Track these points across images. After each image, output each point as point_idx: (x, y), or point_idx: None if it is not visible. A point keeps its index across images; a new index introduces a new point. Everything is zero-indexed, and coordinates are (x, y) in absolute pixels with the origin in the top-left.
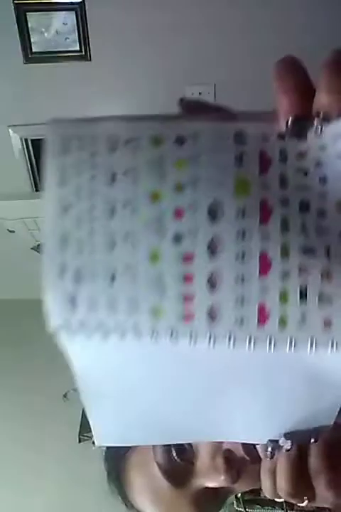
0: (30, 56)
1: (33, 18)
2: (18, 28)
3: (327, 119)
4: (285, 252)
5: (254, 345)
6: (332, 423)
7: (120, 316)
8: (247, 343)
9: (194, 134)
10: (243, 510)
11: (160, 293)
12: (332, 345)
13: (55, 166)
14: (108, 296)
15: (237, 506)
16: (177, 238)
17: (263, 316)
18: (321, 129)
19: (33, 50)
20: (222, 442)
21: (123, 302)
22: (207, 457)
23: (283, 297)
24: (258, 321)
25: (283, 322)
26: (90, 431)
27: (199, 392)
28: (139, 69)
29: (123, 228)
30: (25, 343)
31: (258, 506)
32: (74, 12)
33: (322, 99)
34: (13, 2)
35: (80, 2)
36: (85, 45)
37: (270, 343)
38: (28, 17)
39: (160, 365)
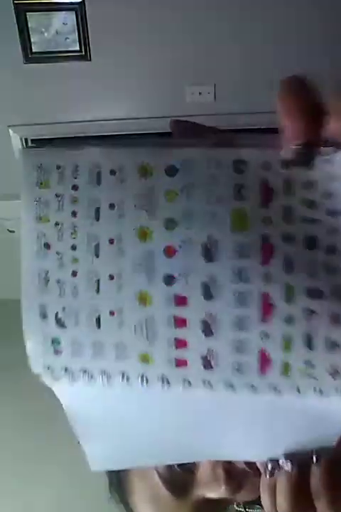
0: (30, 56)
1: (33, 18)
2: (18, 28)
3: (337, 146)
4: (289, 294)
5: (255, 392)
6: (334, 445)
7: (106, 362)
8: (246, 389)
9: (187, 162)
10: (243, 510)
11: (150, 338)
12: (338, 391)
13: (32, 199)
14: (93, 341)
15: (237, 506)
16: (168, 279)
17: (264, 364)
18: (331, 157)
19: (33, 50)
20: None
21: (110, 348)
22: (207, 467)
23: (287, 344)
24: (260, 369)
25: (286, 370)
26: None
27: (194, 422)
28: (139, 69)
29: (108, 268)
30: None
31: (258, 507)
32: (74, 12)
33: (331, 125)
34: (13, 2)
35: (80, 2)
36: (85, 45)
37: (272, 390)
38: (28, 17)
39: (151, 403)
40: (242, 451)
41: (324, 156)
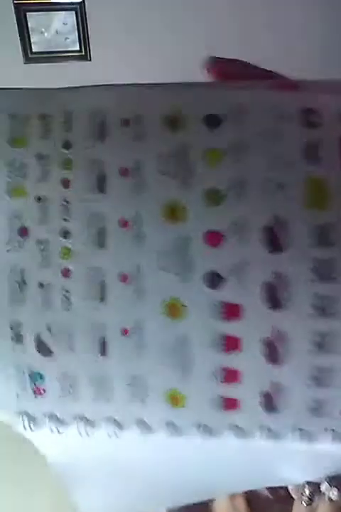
0: (30, 56)
1: (33, 18)
2: (18, 28)
3: None
4: None
5: (338, 439)
6: None
7: (116, 405)
8: (327, 437)
9: (235, 109)
10: None
11: (184, 368)
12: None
13: (1, 163)
14: (95, 375)
15: None
16: (213, 279)
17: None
18: None
19: (33, 50)
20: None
21: (122, 383)
22: (225, 498)
23: None
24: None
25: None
26: None
27: (217, 465)
28: (139, 69)
29: (119, 264)
30: None
31: None
32: (74, 12)
33: None
34: (13, 2)
35: (80, 2)
36: (85, 45)
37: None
38: (28, 17)
39: (172, 449)
40: (264, 478)
41: None
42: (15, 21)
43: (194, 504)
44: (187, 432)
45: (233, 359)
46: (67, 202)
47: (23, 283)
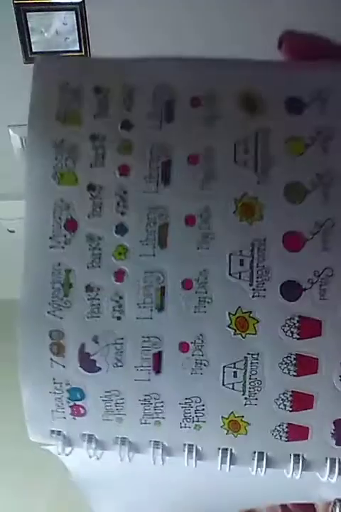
0: (30, 56)
1: (33, 18)
2: (18, 28)
3: None
4: None
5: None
6: None
7: (166, 430)
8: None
9: (322, 93)
10: None
11: (251, 391)
12: None
13: (48, 143)
14: (146, 394)
15: None
16: (291, 289)
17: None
18: None
19: (33, 50)
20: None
21: (175, 405)
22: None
23: None
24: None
25: None
26: None
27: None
28: None
29: (183, 268)
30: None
31: None
32: (74, 12)
33: None
34: (13, 2)
35: (80, 2)
36: (85, 45)
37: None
38: (28, 17)
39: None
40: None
41: None
42: (15, 21)
43: None
44: (245, 461)
45: (307, 383)
46: (125, 192)
47: (68, 285)
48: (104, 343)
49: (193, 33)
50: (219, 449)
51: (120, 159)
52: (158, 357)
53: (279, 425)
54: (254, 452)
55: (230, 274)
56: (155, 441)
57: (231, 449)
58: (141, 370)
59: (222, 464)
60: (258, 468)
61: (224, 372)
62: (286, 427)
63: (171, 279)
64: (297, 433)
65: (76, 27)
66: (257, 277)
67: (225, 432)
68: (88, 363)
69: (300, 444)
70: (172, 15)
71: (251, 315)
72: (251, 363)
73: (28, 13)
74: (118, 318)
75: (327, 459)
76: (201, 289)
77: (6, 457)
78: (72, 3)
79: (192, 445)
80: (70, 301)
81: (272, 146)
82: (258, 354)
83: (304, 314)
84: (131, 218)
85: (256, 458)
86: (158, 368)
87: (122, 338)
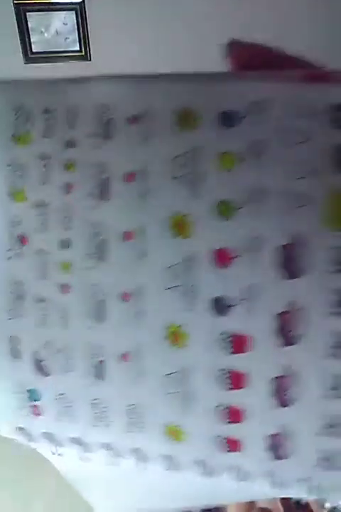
0: (30, 56)
1: (33, 18)
2: (18, 28)
3: None
4: None
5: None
6: None
7: (112, 433)
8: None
9: (256, 106)
10: None
11: (185, 402)
12: None
13: (1, 162)
14: (92, 400)
15: None
16: (220, 306)
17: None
18: None
19: (33, 50)
20: (254, 502)
21: (119, 411)
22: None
23: None
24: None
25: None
26: None
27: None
28: (139, 69)
29: (121, 282)
30: None
31: None
32: (74, 12)
33: None
34: (13, 2)
35: (80, 2)
36: (85, 45)
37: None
38: (28, 17)
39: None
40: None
41: None
42: (15, 21)
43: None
44: (186, 468)
45: (239, 397)
46: (69, 209)
47: (21, 296)
48: (53, 351)
49: (194, 34)
50: (161, 455)
51: (65, 177)
52: (100, 365)
53: (216, 436)
54: (194, 460)
55: (164, 288)
56: (104, 444)
57: (172, 456)
58: (86, 376)
59: (165, 469)
60: (202, 476)
61: (162, 382)
62: (223, 439)
63: (110, 292)
64: (233, 445)
65: (76, 27)
66: (188, 293)
67: (166, 438)
68: (40, 368)
69: (237, 455)
70: (173, 15)
71: (183, 329)
72: (186, 375)
73: (28, 13)
74: (65, 328)
75: (262, 472)
76: (138, 302)
77: (5, 457)
78: (72, 3)
79: (138, 449)
80: (24, 310)
81: (204, 162)
82: (191, 367)
83: (234, 330)
84: (75, 234)
85: (196, 466)
86: (101, 376)
87: (68, 346)
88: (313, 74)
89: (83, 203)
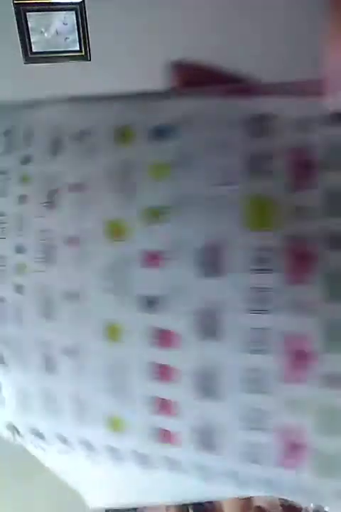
0: (30, 56)
1: (33, 18)
2: (18, 28)
3: None
4: (336, 338)
5: (277, 492)
6: None
7: (62, 424)
8: (263, 487)
9: (183, 121)
10: None
11: (121, 394)
12: None
13: None
14: (44, 392)
15: None
16: (148, 303)
17: (291, 451)
18: None
19: (33, 50)
20: (250, 499)
21: (67, 403)
22: None
23: (328, 425)
24: (282, 458)
25: (325, 469)
26: None
27: None
28: (139, 69)
29: (66, 283)
30: None
31: None
32: (74, 12)
33: None
34: (13, 2)
35: (80, 2)
36: (85, 45)
37: (304, 495)
38: (28, 17)
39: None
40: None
41: None
42: (15, 21)
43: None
44: (127, 459)
45: (168, 390)
46: (23, 218)
47: None
48: (11, 345)
49: (194, 33)
50: (106, 446)
51: (20, 190)
52: (49, 359)
53: (151, 427)
54: (132, 451)
55: (102, 288)
56: (57, 434)
57: (114, 447)
58: (38, 369)
59: (109, 460)
60: (141, 467)
61: (103, 374)
62: (157, 430)
63: (56, 291)
64: (166, 436)
65: (76, 27)
66: (122, 291)
67: (109, 430)
68: (1, 361)
69: (170, 447)
70: (172, 15)
71: (119, 325)
72: (122, 368)
73: (28, 13)
74: (19, 325)
75: (192, 464)
76: (80, 301)
77: (5, 457)
78: (72, 3)
79: (86, 440)
80: None
81: (137, 173)
82: (126, 361)
83: (161, 326)
84: (27, 240)
85: (134, 457)
86: (51, 369)
87: (22, 342)
88: (238, 88)
89: (35, 212)
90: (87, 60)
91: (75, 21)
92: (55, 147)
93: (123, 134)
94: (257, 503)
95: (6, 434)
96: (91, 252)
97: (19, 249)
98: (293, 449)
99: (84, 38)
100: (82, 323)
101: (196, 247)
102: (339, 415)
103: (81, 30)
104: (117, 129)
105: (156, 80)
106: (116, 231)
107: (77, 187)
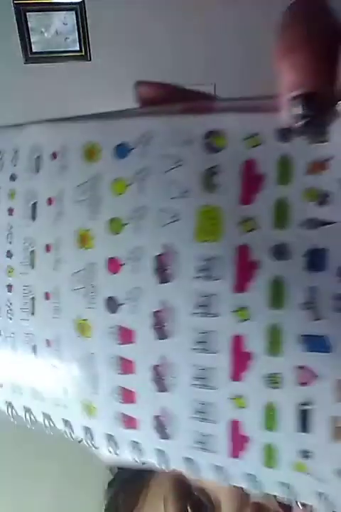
0: (30, 56)
1: (33, 18)
2: (18, 28)
3: None
4: (275, 340)
5: (225, 479)
6: None
7: (47, 405)
8: (213, 473)
9: (142, 138)
10: None
11: (93, 383)
12: None
13: None
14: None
15: None
16: (111, 304)
17: (237, 442)
18: None
19: (33, 50)
20: (248, 496)
21: (49, 387)
22: (231, 509)
23: (270, 417)
24: (231, 448)
25: (270, 458)
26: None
27: None
28: (139, 69)
29: (44, 284)
30: None
31: None
32: (74, 12)
33: None
34: (13, 2)
35: (80, 2)
36: (85, 45)
37: (250, 482)
38: (28, 17)
39: None
40: None
41: None
42: (15, 21)
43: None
44: (100, 442)
45: (129, 380)
46: (11, 227)
47: None
48: (4, 336)
49: (193, 33)
50: (82, 426)
51: (8, 203)
52: (34, 348)
53: (116, 414)
54: (105, 434)
55: (72, 289)
56: (45, 413)
57: (90, 429)
58: (26, 358)
59: (85, 441)
60: (109, 449)
61: (76, 365)
62: (121, 416)
63: (37, 291)
64: (129, 422)
65: (76, 27)
66: (90, 293)
67: (84, 413)
68: None
69: (134, 432)
70: (173, 15)
71: (88, 322)
72: (91, 360)
73: (28, 13)
74: (10, 319)
75: (153, 449)
76: (55, 299)
77: (5, 457)
78: (72, 3)
79: (67, 420)
80: None
81: (102, 188)
82: (94, 353)
83: (122, 324)
84: (14, 246)
85: (107, 440)
86: (34, 357)
87: (13, 333)
88: (194, 106)
89: (19, 222)
90: (87, 60)
91: (75, 21)
92: (37, 165)
93: (90, 152)
94: (254, 499)
95: (7, 411)
96: (64, 258)
97: (9, 254)
98: (239, 440)
99: (84, 38)
100: (57, 319)
101: (152, 255)
102: (277, 412)
103: (81, 30)
104: (85, 147)
105: (156, 79)
106: (84, 240)
107: (53, 200)
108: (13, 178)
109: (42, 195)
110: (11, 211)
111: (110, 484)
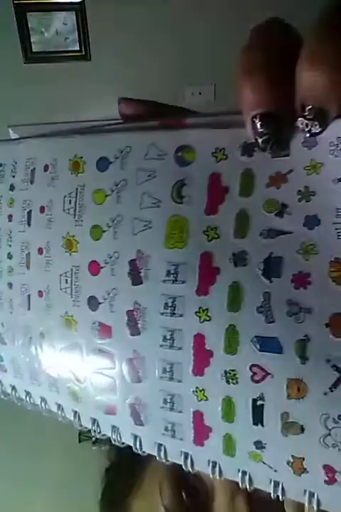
0: (30, 56)
1: (33, 18)
2: (18, 28)
3: (321, 115)
4: (232, 340)
5: (191, 464)
6: None
7: (42, 390)
8: (182, 458)
9: (121, 152)
10: None
11: (78, 372)
12: (305, 493)
13: None
14: (28, 364)
15: None
16: (93, 303)
17: (200, 431)
18: (312, 133)
19: (33, 50)
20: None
21: (43, 374)
22: (225, 498)
23: (228, 410)
24: (195, 436)
25: (229, 446)
26: (90, 431)
27: None
28: (139, 69)
29: (37, 283)
30: None
31: None
32: (74, 12)
33: (309, 82)
34: (13, 2)
35: (80, 2)
36: (85, 45)
37: (212, 468)
38: (28, 17)
39: None
40: None
41: (303, 131)
42: (15, 21)
43: (192, 502)
44: (87, 423)
45: (107, 370)
46: (11, 232)
47: None
48: (6, 328)
49: (194, 33)
50: (72, 411)
51: (8, 211)
52: (30, 339)
53: (97, 401)
54: (90, 418)
55: (60, 288)
56: (40, 397)
57: (77, 411)
58: (24, 348)
59: (74, 424)
60: (94, 431)
61: (65, 354)
62: (101, 403)
63: (32, 289)
64: (109, 409)
65: (76, 27)
66: (74, 292)
67: (71, 397)
68: (1, 339)
69: (114, 418)
70: (172, 14)
71: (74, 318)
72: (78, 351)
73: (28, 13)
74: (11, 313)
75: (130, 434)
76: (47, 297)
77: (5, 457)
78: (72, 3)
79: (60, 405)
80: None
81: (85, 198)
82: (80, 345)
83: (101, 321)
84: (13, 248)
85: (91, 423)
86: (32, 347)
87: (14, 326)
88: (169, 121)
89: (17, 228)
90: (87, 60)
91: (75, 21)
92: (32, 176)
93: (76, 165)
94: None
95: (11, 393)
96: (53, 260)
97: (9, 256)
98: (203, 429)
99: (84, 38)
100: (48, 313)
101: (127, 259)
102: (234, 405)
103: (81, 30)
104: (72, 160)
105: (156, 79)
106: (70, 245)
107: (44, 208)
108: (12, 188)
109: (36, 204)
110: (10, 217)
111: (107, 470)
